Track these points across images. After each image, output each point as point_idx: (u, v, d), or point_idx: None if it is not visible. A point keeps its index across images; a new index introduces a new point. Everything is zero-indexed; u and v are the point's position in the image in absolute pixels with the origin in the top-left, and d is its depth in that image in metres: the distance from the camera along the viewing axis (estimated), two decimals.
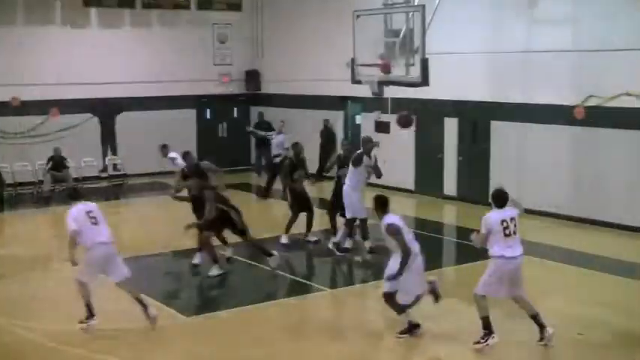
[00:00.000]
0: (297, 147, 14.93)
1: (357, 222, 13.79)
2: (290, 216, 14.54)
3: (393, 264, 9.25)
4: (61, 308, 11.03)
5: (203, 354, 9.31)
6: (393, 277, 9.14)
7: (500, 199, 9.19)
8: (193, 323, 10.39)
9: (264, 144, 23.42)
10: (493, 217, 9.03)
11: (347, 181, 13.49)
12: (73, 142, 21.61)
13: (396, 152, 18.51)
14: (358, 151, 13.65)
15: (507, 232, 8.95)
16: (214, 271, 12.38)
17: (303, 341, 9.80)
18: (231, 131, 25.15)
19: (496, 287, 8.98)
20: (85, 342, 9.49)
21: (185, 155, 14.51)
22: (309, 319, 11.10)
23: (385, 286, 9.39)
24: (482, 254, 12.15)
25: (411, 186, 19.74)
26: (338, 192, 13.95)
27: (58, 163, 20.71)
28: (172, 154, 17.17)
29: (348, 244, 13.81)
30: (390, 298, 9.35)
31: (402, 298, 9.31)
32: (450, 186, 18.88)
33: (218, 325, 10.35)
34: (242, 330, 10.09)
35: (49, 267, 13.11)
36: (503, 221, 8.95)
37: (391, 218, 9.40)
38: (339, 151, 15.34)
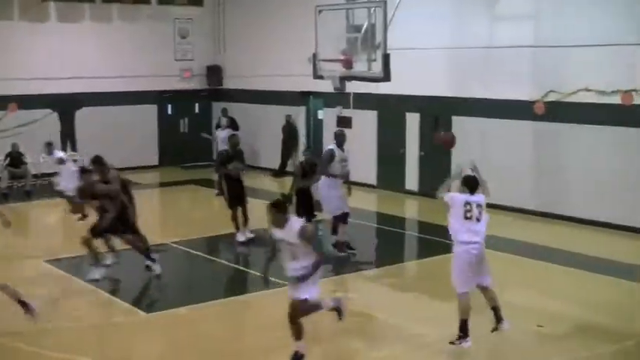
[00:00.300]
0: (233, 138, 14.83)
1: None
2: (230, 213, 14.32)
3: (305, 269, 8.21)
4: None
5: (162, 350, 9.22)
6: (304, 280, 8.15)
7: (470, 184, 9.12)
8: (153, 320, 10.27)
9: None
10: (459, 196, 9.02)
11: (323, 179, 13.16)
12: (32, 138, 21.24)
13: (359, 147, 18.51)
14: (328, 147, 13.54)
15: (469, 215, 8.84)
16: (94, 274, 11.81)
17: (266, 335, 9.77)
18: (192, 127, 24.95)
19: (465, 277, 8.84)
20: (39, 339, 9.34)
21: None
22: (270, 314, 11.05)
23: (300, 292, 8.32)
24: (444, 248, 12.29)
25: (373, 181, 19.77)
26: (305, 202, 13.26)
27: (15, 159, 20.36)
28: (59, 154, 17.48)
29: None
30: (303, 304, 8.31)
31: None
32: (411, 181, 18.94)
33: (178, 321, 10.25)
34: (203, 325, 10.02)
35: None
36: (467, 203, 8.88)
37: (300, 220, 8.52)
38: (301, 158, 14.80)
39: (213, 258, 13.73)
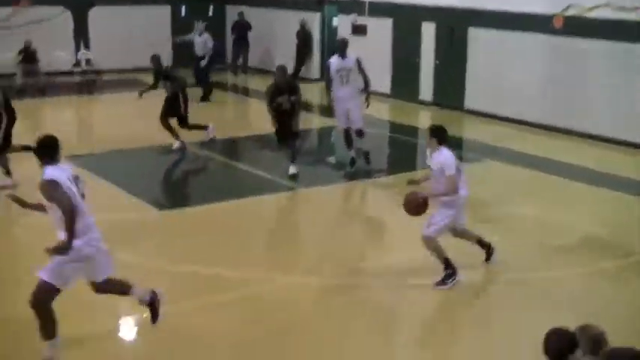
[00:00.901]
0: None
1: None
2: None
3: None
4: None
5: (177, 245, 9.44)
6: (64, 251, 6.19)
7: (446, 133, 8.22)
8: (168, 216, 10.48)
9: (241, 42, 23.33)
10: (451, 155, 8.05)
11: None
12: (45, 36, 21.15)
13: (373, 56, 18.35)
14: (330, 58, 12.97)
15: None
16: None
17: (278, 233, 10.01)
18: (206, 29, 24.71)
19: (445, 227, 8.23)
20: None
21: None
22: (282, 214, 11.31)
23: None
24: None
25: (387, 90, 19.71)
26: (282, 121, 12.18)
27: (29, 55, 20.36)
28: None
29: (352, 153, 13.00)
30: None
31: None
32: (426, 91, 18.88)
33: (192, 218, 10.46)
34: (216, 223, 10.23)
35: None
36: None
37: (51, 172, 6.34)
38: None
39: (230, 161, 13.86)
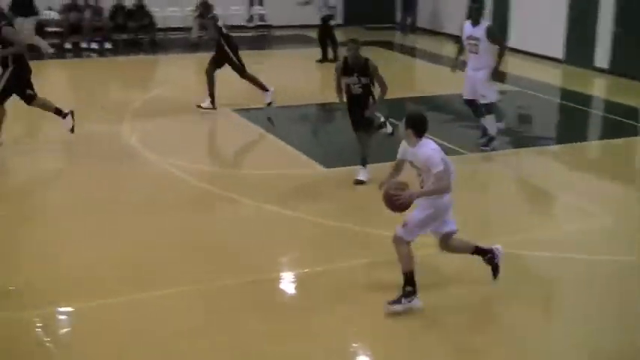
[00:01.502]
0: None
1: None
2: None
3: None
4: (206, 149, 11.59)
5: (346, 198, 9.52)
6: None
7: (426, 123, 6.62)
8: (333, 173, 10.57)
9: (409, 1, 23.18)
10: (435, 148, 6.53)
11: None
12: None
13: (545, 17, 17.61)
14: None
15: None
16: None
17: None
18: None
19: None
20: (229, 184, 9.92)
21: None
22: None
23: None
24: (631, 130, 11.87)
25: (559, 55, 18.92)
26: (351, 108, 10.01)
27: (204, 10, 20.99)
28: None
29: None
30: None
31: None
32: (602, 57, 17.94)
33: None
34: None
35: (193, 110, 13.52)
36: None
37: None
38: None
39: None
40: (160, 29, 21.42)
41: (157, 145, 11.43)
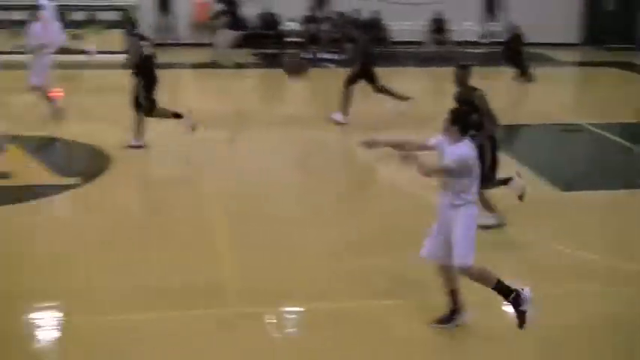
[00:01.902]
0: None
1: None
2: None
3: None
4: None
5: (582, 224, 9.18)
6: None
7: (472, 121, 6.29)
8: (567, 197, 10.21)
9: None
10: (472, 151, 6.01)
11: None
12: (455, 6, 21.73)
13: None
14: None
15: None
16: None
17: None
18: (621, 2, 23.54)
19: None
20: None
21: None
22: None
23: None
24: None
25: None
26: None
27: (438, 25, 21.19)
28: None
29: None
30: None
31: None
32: None
33: (594, 202, 10.06)
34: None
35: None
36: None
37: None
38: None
39: (630, 145, 13.12)
40: (394, 42, 21.76)
41: None
